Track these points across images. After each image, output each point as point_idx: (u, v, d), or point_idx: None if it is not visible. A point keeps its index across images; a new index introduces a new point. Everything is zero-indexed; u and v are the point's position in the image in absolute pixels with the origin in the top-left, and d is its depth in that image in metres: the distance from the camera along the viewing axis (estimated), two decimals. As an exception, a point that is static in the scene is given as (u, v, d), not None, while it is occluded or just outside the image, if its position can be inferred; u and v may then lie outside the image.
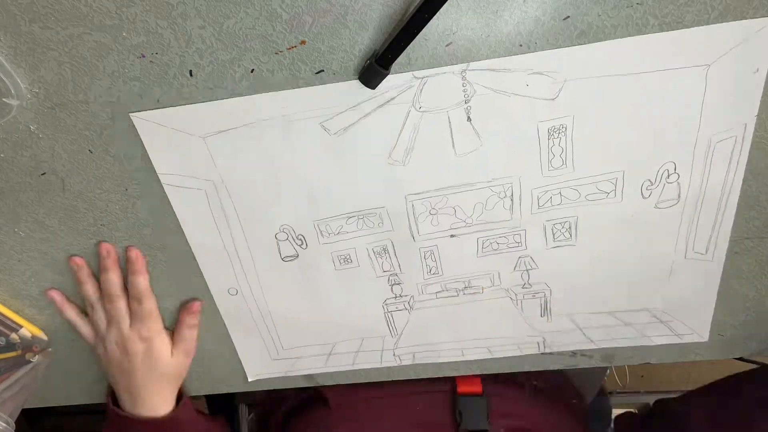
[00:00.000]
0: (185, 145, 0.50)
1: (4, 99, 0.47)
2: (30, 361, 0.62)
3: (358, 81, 0.46)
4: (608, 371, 0.98)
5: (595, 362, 0.65)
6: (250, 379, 0.67)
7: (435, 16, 0.41)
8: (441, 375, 0.66)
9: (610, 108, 0.48)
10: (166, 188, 0.53)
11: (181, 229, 0.55)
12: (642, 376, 1.35)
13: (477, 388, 0.67)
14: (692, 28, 0.44)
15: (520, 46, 0.45)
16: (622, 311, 0.61)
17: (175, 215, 0.55)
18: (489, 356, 0.64)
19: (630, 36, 0.44)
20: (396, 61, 0.44)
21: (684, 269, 0.57)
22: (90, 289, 0.58)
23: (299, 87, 0.47)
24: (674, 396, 0.71)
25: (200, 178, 0.52)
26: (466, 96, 0.47)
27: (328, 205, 0.54)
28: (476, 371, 0.66)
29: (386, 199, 0.53)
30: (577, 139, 0.50)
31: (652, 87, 0.47)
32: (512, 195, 0.53)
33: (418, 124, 0.49)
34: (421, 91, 0.47)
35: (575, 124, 0.49)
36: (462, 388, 0.68)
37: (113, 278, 0.57)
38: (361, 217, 0.55)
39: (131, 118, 0.48)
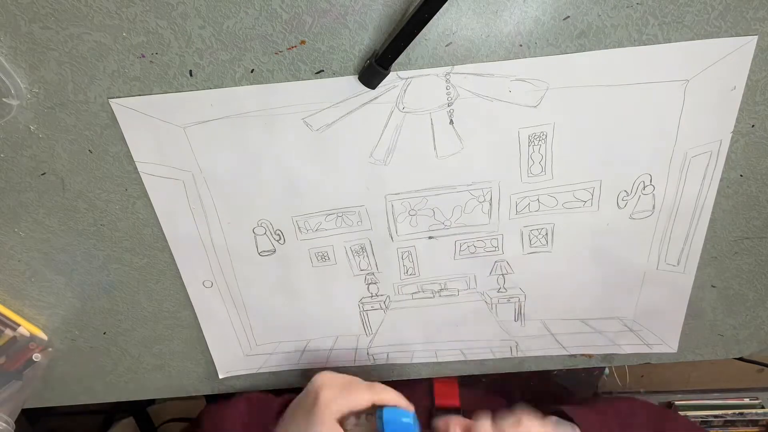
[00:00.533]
0: (165, 134, 0.50)
1: (4, 99, 0.47)
2: (32, 360, 0.62)
3: (346, 78, 0.46)
4: (606, 373, 0.99)
5: (595, 362, 0.65)
6: (221, 376, 0.66)
7: (435, 16, 0.41)
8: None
9: (591, 118, 0.48)
10: (143, 177, 0.52)
11: (181, 229, 0.55)
12: (642, 376, 1.35)
13: (455, 401, 0.67)
14: (673, 44, 0.45)
15: (520, 46, 0.45)
16: (593, 319, 0.61)
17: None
18: (462, 358, 0.65)
19: (630, 36, 0.44)
20: (396, 61, 0.44)
21: (655, 280, 0.58)
22: None
23: (284, 82, 0.47)
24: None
25: (179, 168, 0.52)
26: (450, 99, 0.48)
27: (308, 201, 0.54)
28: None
29: (366, 197, 0.54)
30: (557, 147, 0.50)
31: (632, 99, 0.47)
32: (491, 199, 0.53)
33: (400, 124, 0.49)
34: (405, 92, 0.47)
35: (555, 132, 0.49)
36: (440, 401, 0.67)
37: None
38: (341, 214, 0.55)
39: (110, 103, 0.48)
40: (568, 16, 0.44)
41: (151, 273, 0.59)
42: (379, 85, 0.46)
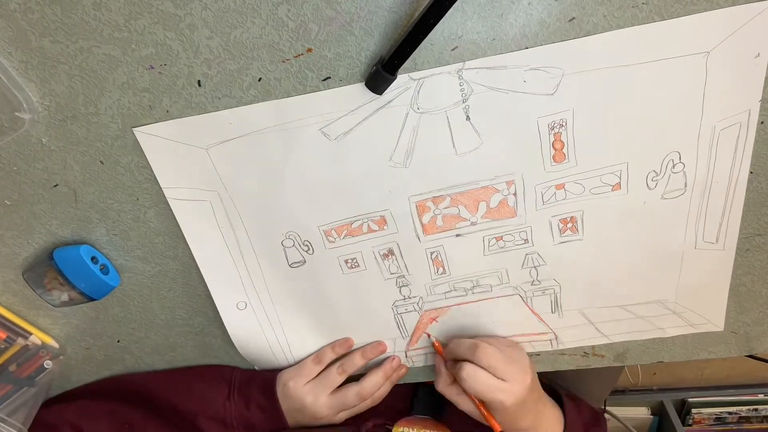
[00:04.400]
0: (188, 157, 0.50)
1: (16, 113, 0.47)
2: (44, 368, 0.63)
3: (358, 85, 0.47)
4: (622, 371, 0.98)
5: (608, 362, 0.65)
6: None
7: (440, 21, 0.41)
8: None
9: (610, 100, 0.48)
10: (170, 202, 0.53)
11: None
12: (654, 374, 1.34)
13: None
14: (689, 16, 0.43)
15: (526, 48, 0.45)
16: (633, 304, 0.60)
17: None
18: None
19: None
20: (402, 66, 0.44)
21: (695, 259, 0.56)
22: None
23: (301, 94, 0.47)
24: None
25: (204, 189, 0.53)
26: (464, 95, 0.47)
27: (332, 210, 0.54)
28: None
29: (389, 201, 0.54)
30: (579, 133, 0.49)
31: (652, 76, 0.46)
32: (516, 192, 0.53)
33: (417, 125, 0.49)
34: (418, 93, 0.47)
35: (575, 118, 0.49)
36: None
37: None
38: (366, 220, 0.55)
39: (134, 133, 0.49)
40: (574, 18, 0.44)
41: (164, 281, 0.59)
42: (392, 88, 0.46)
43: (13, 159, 0.51)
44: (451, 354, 0.59)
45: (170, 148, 0.50)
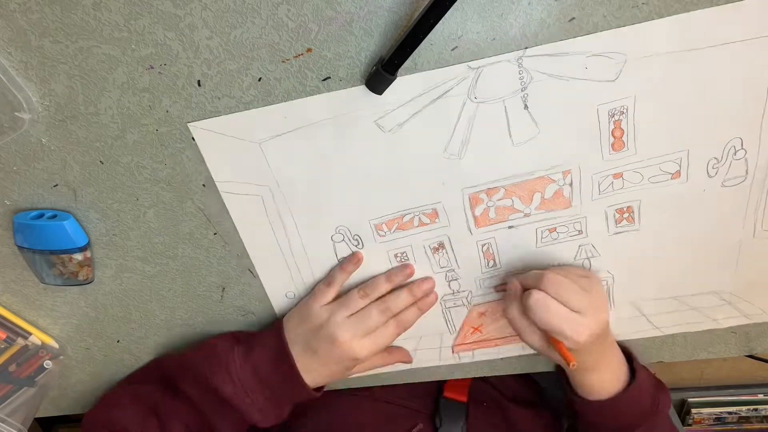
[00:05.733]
0: (242, 151, 0.50)
1: (16, 113, 0.47)
2: (43, 368, 0.63)
3: (419, 75, 0.46)
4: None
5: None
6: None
7: (440, 21, 0.41)
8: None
9: (674, 85, 0.46)
10: (224, 196, 0.53)
11: (192, 238, 0.56)
12: (654, 374, 1.35)
13: (463, 395, 0.67)
14: None
15: (526, 48, 0.45)
16: (688, 295, 0.59)
17: (184, 225, 0.55)
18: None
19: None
20: (402, 66, 0.44)
21: (753, 248, 0.55)
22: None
23: (348, 87, 0.47)
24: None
25: (257, 184, 0.52)
26: (523, 83, 0.47)
27: (384, 203, 0.54)
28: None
29: (442, 194, 0.53)
30: (639, 120, 0.48)
31: (717, 61, 0.45)
32: (572, 182, 0.52)
33: (473, 115, 0.48)
34: (476, 82, 0.47)
35: (637, 105, 0.48)
36: (448, 393, 0.67)
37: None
38: (417, 213, 0.54)
39: (189, 128, 0.49)
40: (574, 18, 0.44)
41: (163, 281, 0.59)
42: (449, 78, 0.46)
43: (13, 159, 0.51)
44: (523, 284, 0.54)
45: (224, 143, 0.50)
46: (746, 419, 1.28)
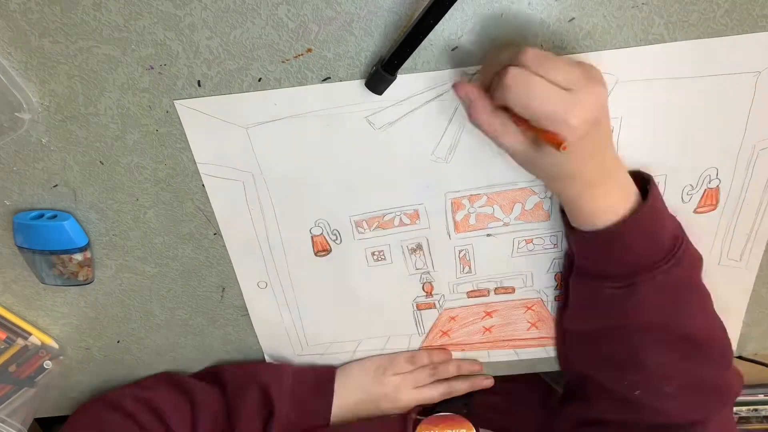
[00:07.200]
0: (227, 135, 0.50)
1: (16, 113, 0.47)
2: (43, 368, 0.63)
3: (418, 75, 0.46)
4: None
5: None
6: None
7: (440, 21, 0.41)
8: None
9: (659, 111, 0.48)
10: (203, 178, 0.52)
11: (192, 238, 0.56)
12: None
13: None
14: (744, 35, 0.44)
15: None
16: None
17: (184, 225, 0.55)
18: (515, 357, 0.64)
19: (636, 36, 0.44)
20: (402, 67, 0.44)
21: (716, 275, 0.56)
22: None
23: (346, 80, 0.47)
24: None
25: (239, 169, 0.52)
26: None
27: (366, 201, 0.54)
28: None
29: (426, 196, 0.53)
30: (623, 143, 0.49)
31: (702, 91, 0.47)
32: (552, 196, 0.53)
33: (464, 121, 0.48)
34: None
35: (622, 126, 0.48)
36: None
37: None
38: (399, 213, 0.55)
39: (175, 105, 0.48)
40: (573, 18, 0.44)
41: (163, 281, 0.59)
42: (445, 81, 0.46)
43: (13, 159, 0.51)
44: (486, 75, 0.43)
45: (210, 124, 0.49)
46: (746, 419, 1.28)
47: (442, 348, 0.64)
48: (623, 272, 0.46)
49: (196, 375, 0.66)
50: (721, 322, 0.50)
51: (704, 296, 0.50)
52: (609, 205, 0.45)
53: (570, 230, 0.49)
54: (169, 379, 0.63)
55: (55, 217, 0.53)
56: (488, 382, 0.64)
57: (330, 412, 0.60)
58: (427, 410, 0.63)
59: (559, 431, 0.57)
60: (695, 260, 0.48)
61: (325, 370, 0.63)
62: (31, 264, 0.56)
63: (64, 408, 0.71)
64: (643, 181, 0.48)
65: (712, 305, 0.50)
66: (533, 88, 0.38)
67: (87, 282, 0.57)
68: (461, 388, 0.63)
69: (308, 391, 0.60)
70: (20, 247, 0.55)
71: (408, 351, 0.64)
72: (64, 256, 0.54)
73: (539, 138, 0.41)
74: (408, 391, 0.61)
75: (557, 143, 0.38)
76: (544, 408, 0.71)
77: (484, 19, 0.44)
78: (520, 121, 0.41)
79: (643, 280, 0.45)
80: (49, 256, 0.54)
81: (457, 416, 0.62)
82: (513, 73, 0.38)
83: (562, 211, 0.51)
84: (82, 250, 0.55)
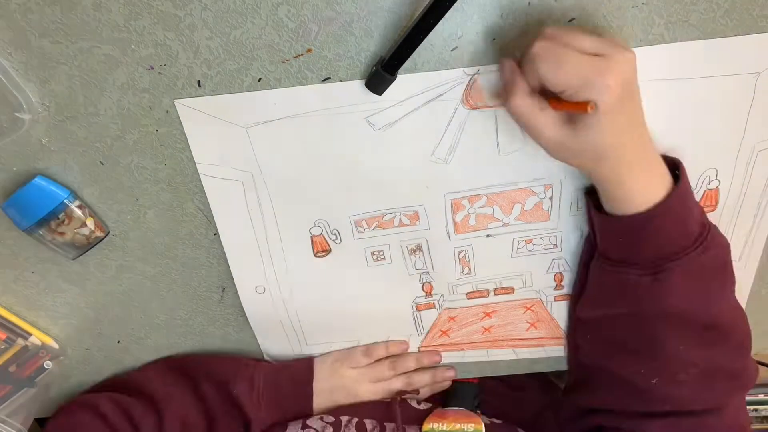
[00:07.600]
0: (227, 134, 0.50)
1: (16, 113, 0.47)
2: (43, 368, 0.63)
3: (418, 75, 0.46)
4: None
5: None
6: None
7: (440, 21, 0.41)
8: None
9: (658, 112, 0.47)
10: (202, 178, 0.52)
11: (192, 238, 0.56)
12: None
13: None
14: (745, 36, 0.44)
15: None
16: None
17: (184, 225, 0.55)
18: (514, 357, 0.64)
19: (635, 36, 0.44)
20: (402, 67, 0.44)
21: None
22: None
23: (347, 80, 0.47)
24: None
25: (239, 169, 0.52)
26: None
27: (366, 201, 0.54)
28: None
29: (425, 196, 0.53)
30: None
31: (701, 92, 0.46)
32: (552, 196, 0.53)
33: (464, 121, 0.48)
34: (470, 88, 0.47)
35: None
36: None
37: None
38: (398, 214, 0.54)
39: (175, 104, 0.48)
40: (573, 18, 0.44)
41: (163, 282, 0.59)
42: (445, 81, 0.46)
43: (13, 159, 0.51)
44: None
45: (209, 124, 0.49)
46: (746, 419, 1.28)
47: (400, 341, 0.64)
48: (651, 258, 0.45)
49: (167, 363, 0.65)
50: (742, 309, 0.50)
51: (730, 283, 0.48)
52: (646, 187, 0.43)
53: (597, 215, 0.48)
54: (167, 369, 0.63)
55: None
56: (450, 374, 0.64)
57: (312, 404, 0.60)
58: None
59: (562, 419, 0.56)
60: (723, 247, 0.47)
61: (301, 364, 0.63)
62: (47, 244, 0.54)
63: (64, 408, 0.71)
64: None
65: (734, 292, 0.49)
66: (564, 56, 0.38)
67: (105, 235, 0.55)
68: (422, 380, 0.63)
69: (287, 386, 0.61)
70: (28, 232, 0.53)
71: (365, 344, 0.64)
72: (62, 216, 0.52)
73: (574, 111, 0.40)
74: (365, 384, 0.61)
75: (582, 107, 0.38)
76: (545, 394, 0.71)
77: (483, 19, 0.44)
78: (556, 101, 0.41)
79: (671, 266, 0.44)
80: (50, 223, 0.53)
81: (466, 411, 0.62)
82: (541, 44, 0.39)
83: (588, 195, 0.50)
84: (71, 201, 0.52)
